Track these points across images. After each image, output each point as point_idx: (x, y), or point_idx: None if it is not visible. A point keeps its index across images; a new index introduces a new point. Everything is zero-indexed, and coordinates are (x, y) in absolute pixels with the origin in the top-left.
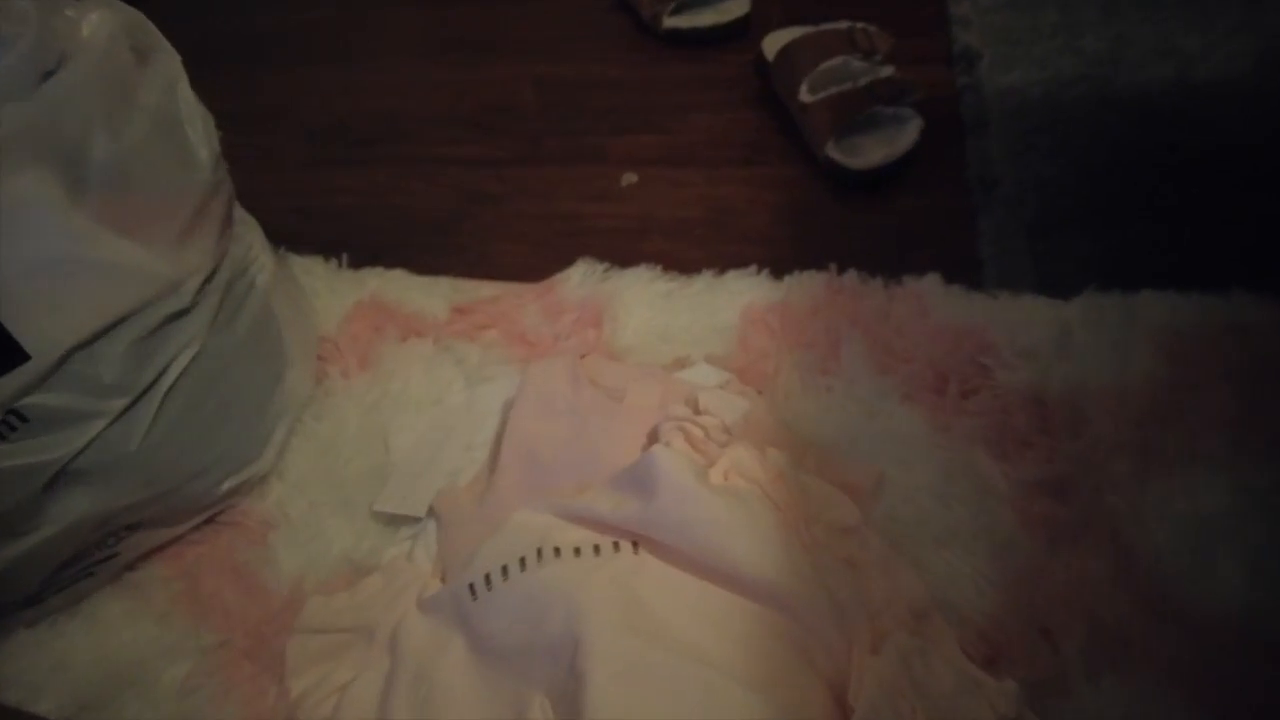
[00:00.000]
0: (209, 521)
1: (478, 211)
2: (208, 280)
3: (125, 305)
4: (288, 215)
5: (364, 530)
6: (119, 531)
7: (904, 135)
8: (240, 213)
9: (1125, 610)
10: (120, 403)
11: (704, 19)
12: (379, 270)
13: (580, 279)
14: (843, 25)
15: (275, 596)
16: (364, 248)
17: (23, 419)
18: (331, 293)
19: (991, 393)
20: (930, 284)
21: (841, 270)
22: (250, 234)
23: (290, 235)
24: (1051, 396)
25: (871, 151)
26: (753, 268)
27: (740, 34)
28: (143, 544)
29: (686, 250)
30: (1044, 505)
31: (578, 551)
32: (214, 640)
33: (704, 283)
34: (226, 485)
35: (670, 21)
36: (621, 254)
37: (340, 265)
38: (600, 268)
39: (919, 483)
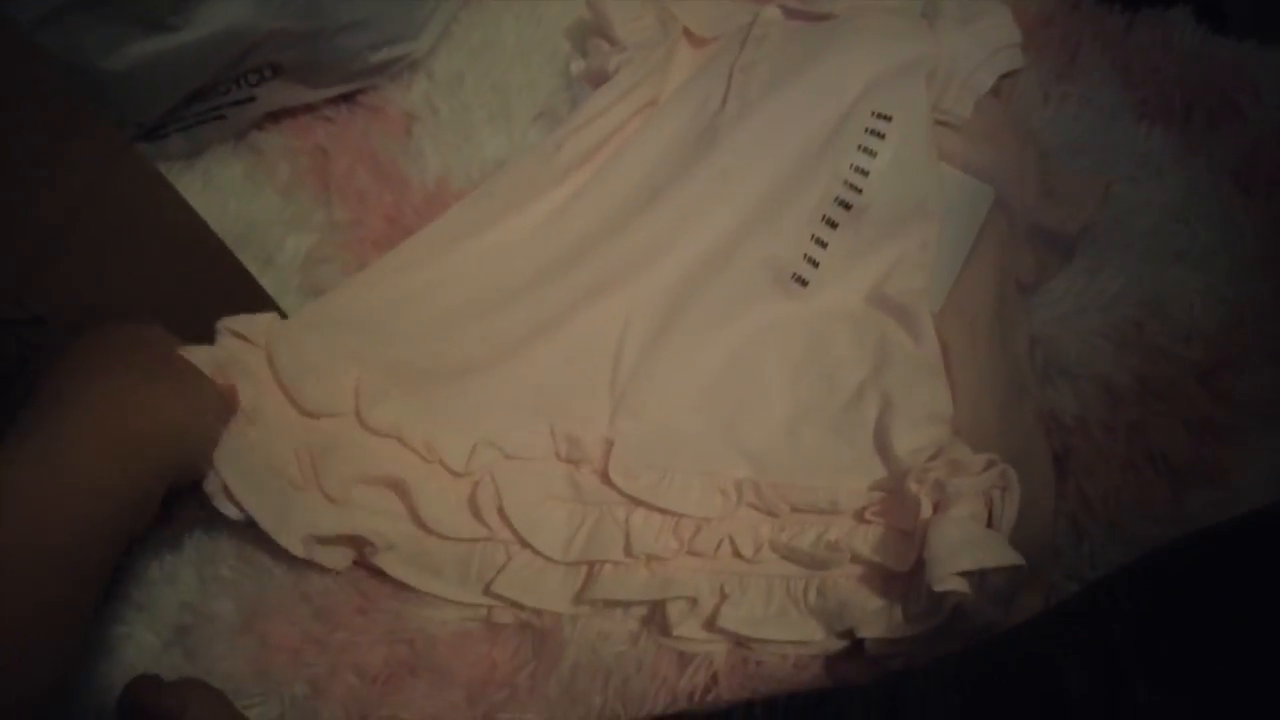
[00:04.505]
0: (346, 100)
1: None
2: None
3: None
4: None
5: (522, 140)
6: (262, 69)
7: None
8: None
9: None
10: None
11: None
12: None
13: None
14: None
15: (417, 189)
16: None
17: None
18: None
19: (1243, 126)
20: (1178, 16)
21: None
22: None
23: None
24: None
25: None
26: None
27: None
28: (279, 97)
29: None
30: None
31: None
32: (346, 218)
33: None
34: (377, 56)
35: None
36: None
37: None
38: None
39: (1155, 199)
